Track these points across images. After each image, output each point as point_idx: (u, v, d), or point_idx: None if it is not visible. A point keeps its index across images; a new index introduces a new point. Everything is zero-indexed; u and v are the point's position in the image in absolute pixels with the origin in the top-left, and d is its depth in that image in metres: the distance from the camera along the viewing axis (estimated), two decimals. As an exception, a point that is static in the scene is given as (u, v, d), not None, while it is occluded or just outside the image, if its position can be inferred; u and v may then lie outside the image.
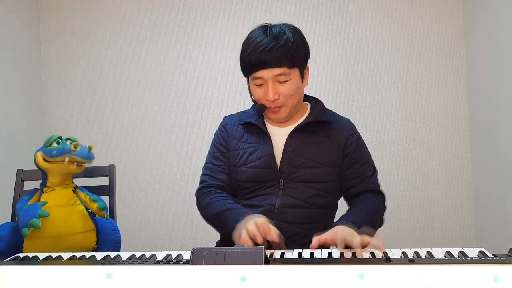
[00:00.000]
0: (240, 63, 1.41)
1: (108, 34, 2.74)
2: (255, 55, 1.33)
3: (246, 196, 1.44)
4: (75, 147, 1.44)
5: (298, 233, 1.38)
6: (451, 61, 2.54)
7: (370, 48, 2.58)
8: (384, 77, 2.58)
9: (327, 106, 1.54)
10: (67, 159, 1.44)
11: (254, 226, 1.19)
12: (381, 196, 1.46)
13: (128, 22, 2.73)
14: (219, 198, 1.41)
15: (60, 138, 1.50)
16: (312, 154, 1.42)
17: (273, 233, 1.19)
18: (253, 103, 1.49)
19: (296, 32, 1.39)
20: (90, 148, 1.48)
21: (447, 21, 2.54)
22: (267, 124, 1.48)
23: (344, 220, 1.26)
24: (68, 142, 1.51)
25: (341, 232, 1.18)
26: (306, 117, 1.46)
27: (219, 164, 1.49)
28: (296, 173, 1.40)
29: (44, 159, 1.46)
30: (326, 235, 1.18)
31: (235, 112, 1.57)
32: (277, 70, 1.34)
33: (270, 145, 1.43)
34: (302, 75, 1.41)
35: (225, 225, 1.32)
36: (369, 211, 1.37)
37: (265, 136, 1.44)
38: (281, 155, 1.42)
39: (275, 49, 1.32)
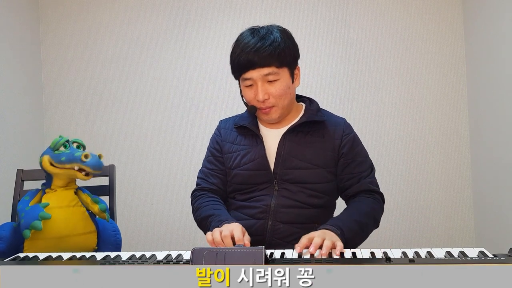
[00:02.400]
0: (230, 65, 1.42)
1: (108, 34, 2.74)
2: (243, 56, 1.34)
3: (242, 198, 1.45)
4: (86, 157, 1.42)
5: (294, 232, 1.37)
6: (451, 61, 2.54)
7: (370, 48, 2.58)
8: (384, 77, 2.58)
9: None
10: (76, 167, 1.44)
11: (218, 234, 1.21)
12: (378, 196, 1.44)
13: (128, 22, 2.73)
14: (208, 202, 1.44)
15: (68, 141, 1.49)
16: (306, 155, 1.41)
17: (246, 241, 1.21)
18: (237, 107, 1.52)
19: (284, 32, 1.40)
20: (99, 157, 1.47)
21: (447, 21, 2.54)
22: (260, 126, 1.48)
23: (328, 224, 1.27)
24: (75, 145, 1.50)
25: (318, 235, 1.17)
26: (300, 118, 1.45)
27: (212, 168, 1.50)
28: (290, 175, 1.40)
29: (52, 164, 1.46)
30: (304, 240, 1.18)
31: (233, 115, 1.57)
32: (265, 70, 1.34)
33: (262, 147, 1.42)
34: (293, 76, 1.41)
35: (208, 230, 1.33)
36: (361, 213, 1.36)
37: (258, 139, 1.44)
38: (274, 157, 1.41)
39: (262, 49, 1.33)
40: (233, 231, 1.21)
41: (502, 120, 2.13)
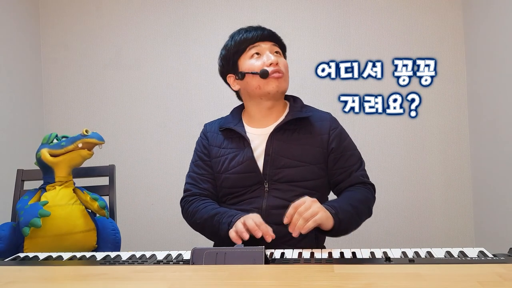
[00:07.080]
0: (228, 51, 1.48)
1: (108, 34, 2.74)
2: (250, 32, 1.44)
3: (233, 201, 1.43)
4: (87, 132, 1.49)
5: (287, 233, 1.36)
6: (451, 61, 2.54)
7: (370, 48, 2.58)
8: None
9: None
10: (80, 144, 1.47)
11: (253, 222, 1.21)
12: (370, 186, 1.44)
13: (128, 22, 2.73)
14: (206, 204, 1.41)
15: (56, 136, 1.53)
16: (295, 153, 1.40)
17: (271, 232, 1.22)
18: (232, 109, 1.55)
19: None
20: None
21: (447, 22, 2.54)
22: (246, 127, 1.46)
23: (324, 204, 1.28)
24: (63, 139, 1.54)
25: (305, 206, 1.21)
26: (285, 116, 1.45)
27: (202, 173, 1.48)
28: (280, 174, 1.39)
29: (52, 154, 1.48)
30: (291, 210, 1.23)
31: (216, 119, 1.57)
32: (272, 44, 1.44)
33: (249, 150, 1.41)
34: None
35: (217, 229, 1.32)
36: (355, 199, 1.36)
37: (245, 141, 1.42)
38: (263, 158, 1.40)
39: (266, 29, 1.45)
40: (255, 220, 1.22)
41: (502, 120, 2.13)
